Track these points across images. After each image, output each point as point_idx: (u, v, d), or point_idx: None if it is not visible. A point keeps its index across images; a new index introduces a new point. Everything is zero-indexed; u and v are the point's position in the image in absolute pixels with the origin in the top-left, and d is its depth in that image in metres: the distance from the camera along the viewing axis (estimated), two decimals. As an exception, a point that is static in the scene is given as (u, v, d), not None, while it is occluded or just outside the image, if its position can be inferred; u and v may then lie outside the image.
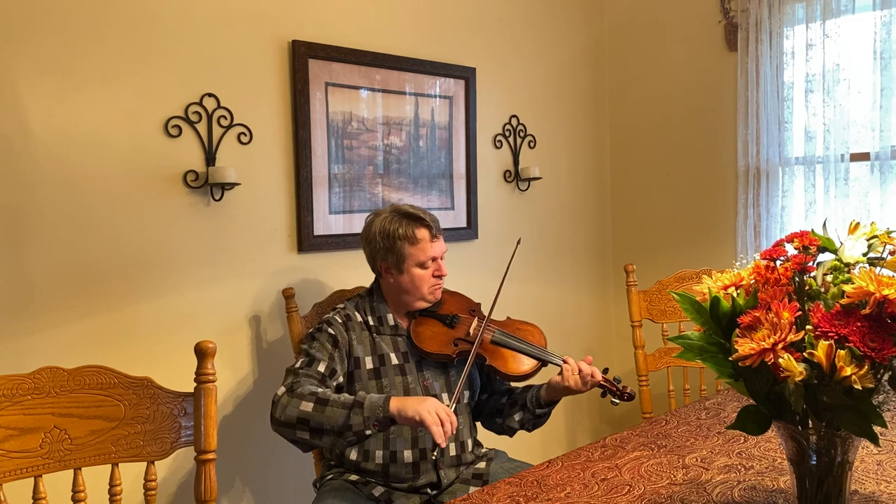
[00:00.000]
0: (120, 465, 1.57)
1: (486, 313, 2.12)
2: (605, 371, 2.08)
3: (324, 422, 1.76)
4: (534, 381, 2.11)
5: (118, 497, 1.57)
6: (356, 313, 2.06)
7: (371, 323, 2.06)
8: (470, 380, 2.13)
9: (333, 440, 1.78)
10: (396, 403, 1.74)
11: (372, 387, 1.97)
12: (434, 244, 2.05)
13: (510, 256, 2.14)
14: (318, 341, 1.97)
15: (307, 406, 1.77)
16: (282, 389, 1.85)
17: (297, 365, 1.92)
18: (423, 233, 2.04)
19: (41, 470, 1.49)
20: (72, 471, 1.53)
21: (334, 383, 1.93)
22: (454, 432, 1.75)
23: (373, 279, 2.17)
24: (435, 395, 2.03)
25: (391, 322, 2.07)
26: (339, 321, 2.02)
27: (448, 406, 1.80)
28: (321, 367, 1.92)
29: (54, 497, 1.53)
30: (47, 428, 1.50)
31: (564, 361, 2.03)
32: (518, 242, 2.21)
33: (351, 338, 2.00)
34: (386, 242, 2.03)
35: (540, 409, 2.08)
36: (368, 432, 1.76)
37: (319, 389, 1.82)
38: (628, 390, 2.05)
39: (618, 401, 2.05)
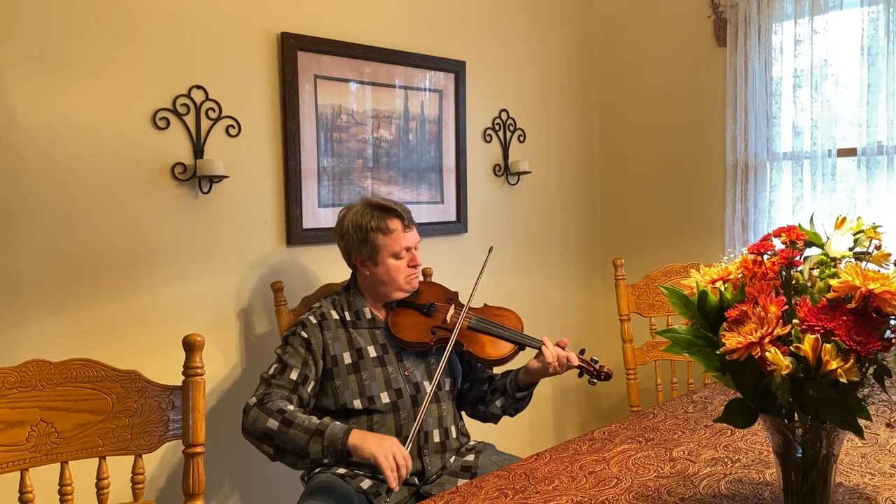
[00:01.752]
0: (107, 458, 1.56)
1: (463, 302, 2.14)
2: (582, 352, 2.11)
3: (286, 442, 1.81)
4: (513, 364, 2.12)
5: (105, 491, 1.56)
6: (332, 311, 2.08)
7: (348, 318, 2.07)
8: (451, 367, 2.15)
9: (294, 461, 1.83)
10: (355, 440, 1.77)
11: (352, 381, 1.99)
12: (407, 234, 2.07)
13: (484, 261, 2.18)
14: (291, 346, 2.00)
15: (273, 424, 1.82)
16: (253, 400, 1.91)
17: (271, 372, 1.96)
18: (395, 223, 2.05)
19: (28, 464, 1.48)
20: (58, 464, 1.52)
21: (307, 389, 1.96)
22: (408, 476, 1.77)
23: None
24: (416, 384, 2.04)
25: (368, 315, 2.09)
26: (314, 322, 2.03)
27: (424, 401, 1.87)
28: (293, 375, 1.95)
29: (41, 491, 1.52)
30: (34, 421, 1.49)
31: (543, 344, 2.05)
32: (490, 250, 2.23)
33: (325, 337, 2.02)
34: (359, 235, 2.05)
35: (519, 392, 2.10)
36: (326, 461, 1.81)
37: (289, 407, 1.86)
38: (605, 369, 2.07)
39: (595, 380, 2.07)
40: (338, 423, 1.83)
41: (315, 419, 1.83)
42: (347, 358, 2.01)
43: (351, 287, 2.14)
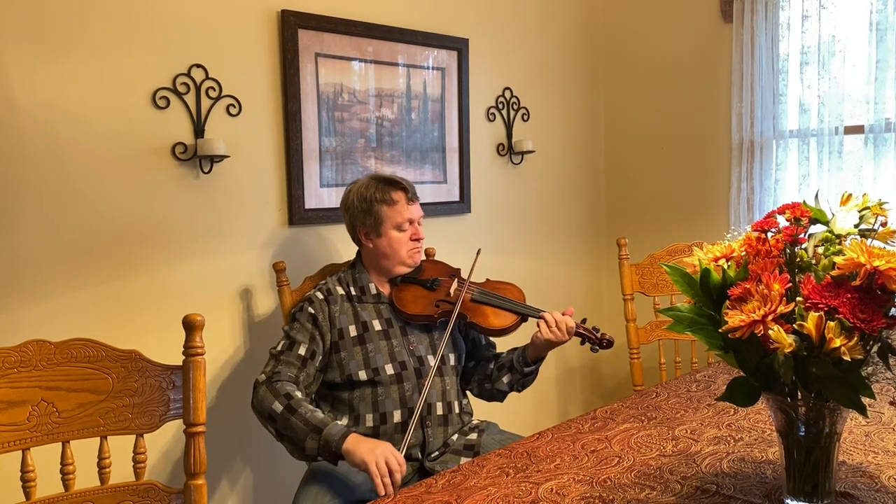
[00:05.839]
0: (108, 438, 1.56)
1: (465, 276, 2.17)
2: (584, 321, 2.12)
3: (287, 429, 1.83)
4: (516, 336, 2.12)
5: (107, 470, 1.56)
6: (338, 286, 2.10)
7: (353, 293, 2.09)
8: (455, 343, 2.17)
9: (291, 449, 1.86)
10: (349, 444, 1.75)
11: (357, 353, 2.00)
12: (410, 207, 2.09)
13: (473, 261, 2.20)
14: (298, 322, 2.02)
15: (278, 407, 1.84)
16: (262, 377, 1.93)
17: (279, 348, 1.98)
18: (399, 195, 2.08)
19: (29, 443, 1.48)
20: (60, 444, 1.52)
21: (315, 365, 1.98)
22: (400, 481, 1.73)
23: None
24: (420, 357, 2.06)
25: (373, 291, 2.10)
26: (320, 297, 2.05)
27: (428, 377, 1.91)
28: (301, 351, 1.96)
29: (42, 470, 1.52)
30: (34, 401, 1.49)
31: (542, 314, 2.06)
32: (478, 252, 2.26)
33: (332, 311, 2.03)
34: (363, 206, 2.07)
35: (527, 367, 2.12)
36: (320, 458, 1.82)
37: (296, 393, 1.87)
38: (607, 337, 2.09)
39: (597, 348, 2.09)
40: (338, 423, 1.83)
41: (319, 414, 1.83)
42: (353, 331, 2.03)
43: (356, 263, 2.16)
